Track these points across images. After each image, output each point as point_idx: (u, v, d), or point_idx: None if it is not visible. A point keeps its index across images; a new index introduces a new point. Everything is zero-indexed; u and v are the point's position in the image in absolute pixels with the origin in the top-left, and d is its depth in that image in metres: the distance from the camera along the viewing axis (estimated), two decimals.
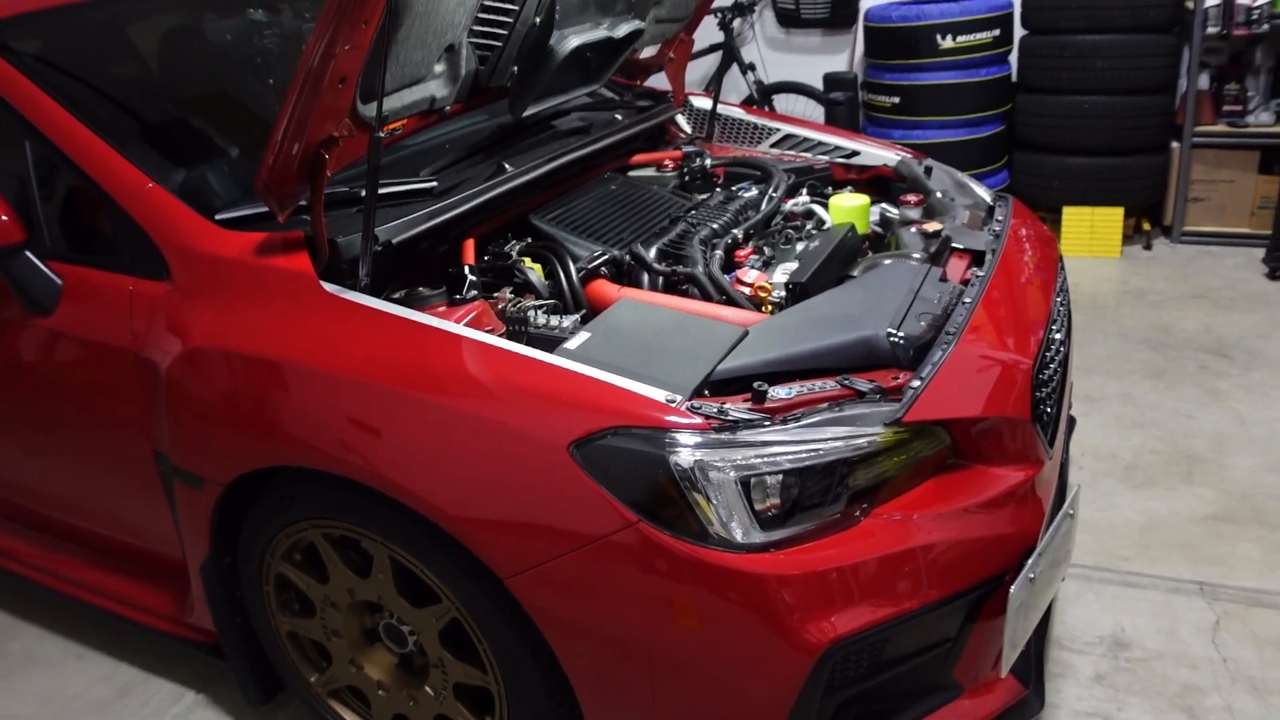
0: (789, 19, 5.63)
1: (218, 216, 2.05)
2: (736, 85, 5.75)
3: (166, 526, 2.27)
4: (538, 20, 2.20)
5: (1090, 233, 4.84)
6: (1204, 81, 4.91)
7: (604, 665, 1.71)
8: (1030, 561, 1.74)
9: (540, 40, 2.24)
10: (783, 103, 5.63)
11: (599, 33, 2.40)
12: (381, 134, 1.79)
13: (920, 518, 1.68)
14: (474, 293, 2.00)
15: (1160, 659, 2.37)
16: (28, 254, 2.21)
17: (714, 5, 4.56)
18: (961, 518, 1.71)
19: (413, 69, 1.94)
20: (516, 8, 2.13)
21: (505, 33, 2.16)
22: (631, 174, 2.94)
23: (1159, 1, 4.49)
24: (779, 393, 1.69)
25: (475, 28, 2.09)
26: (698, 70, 5.95)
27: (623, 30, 2.49)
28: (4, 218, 2.14)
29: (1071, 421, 2.92)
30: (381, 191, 2.18)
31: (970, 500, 1.73)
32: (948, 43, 4.76)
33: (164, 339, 2.03)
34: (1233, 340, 3.88)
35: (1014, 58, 4.98)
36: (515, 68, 2.29)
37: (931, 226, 2.48)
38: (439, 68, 2.05)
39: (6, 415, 2.47)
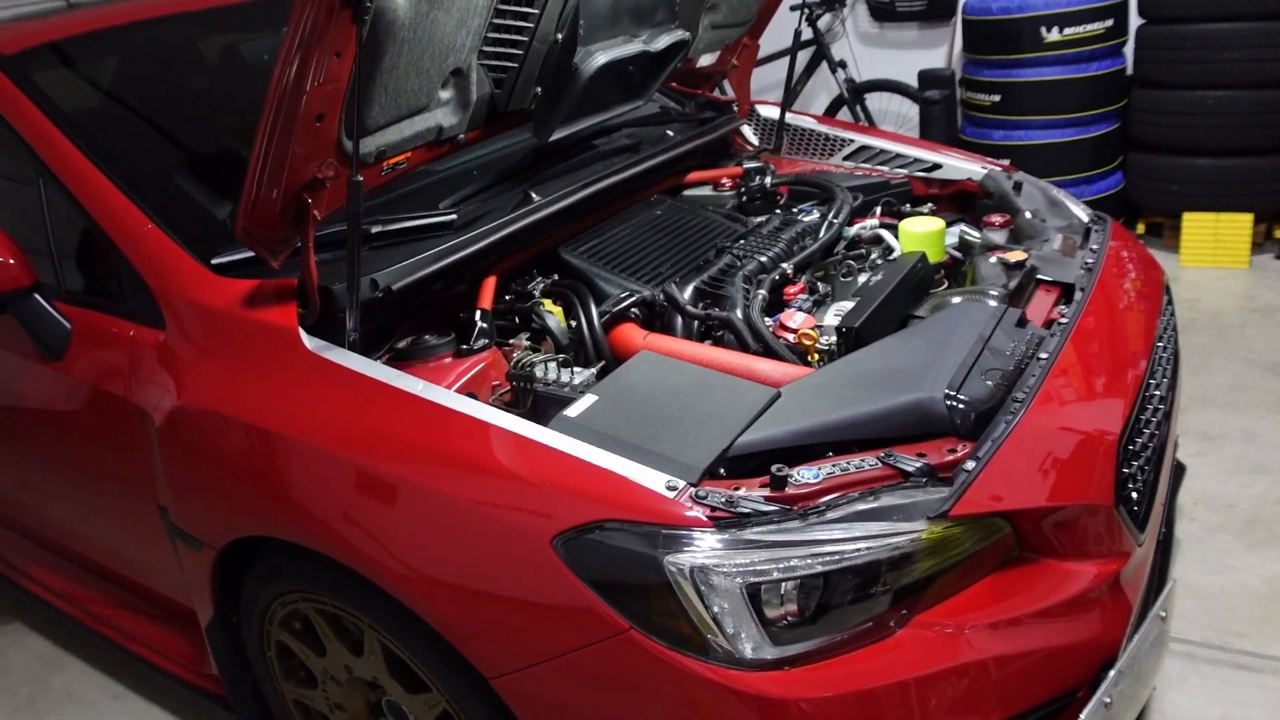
0: (883, 13, 5.30)
1: (213, 261, 1.91)
2: (827, 85, 5.45)
3: (179, 576, 2.17)
4: (559, 37, 1.99)
5: (1214, 241, 4.40)
6: None
7: None
8: (1105, 684, 1.46)
9: (564, 58, 2.03)
10: (876, 102, 5.31)
11: (633, 47, 2.18)
12: (360, 177, 1.60)
13: (972, 628, 1.42)
14: (483, 342, 1.82)
15: None
16: (36, 297, 2.11)
17: (799, 0, 4.28)
18: (1024, 626, 1.45)
19: (410, 98, 1.75)
20: (532, 25, 1.92)
21: (521, 52, 1.96)
22: (685, 194, 2.71)
23: None
24: (805, 475, 1.44)
25: (486, 48, 1.89)
26: (782, 71, 5.66)
27: (662, 43, 2.26)
28: (10, 261, 2.04)
29: (1181, 469, 2.59)
30: (394, 228, 2.02)
31: (1035, 604, 1.47)
32: (1054, 35, 4.39)
33: (157, 391, 1.91)
34: None
35: (1129, 50, 4.57)
36: (538, 89, 2.09)
37: (1015, 256, 2.19)
38: (445, 94, 1.87)
39: (30, 457, 2.42)
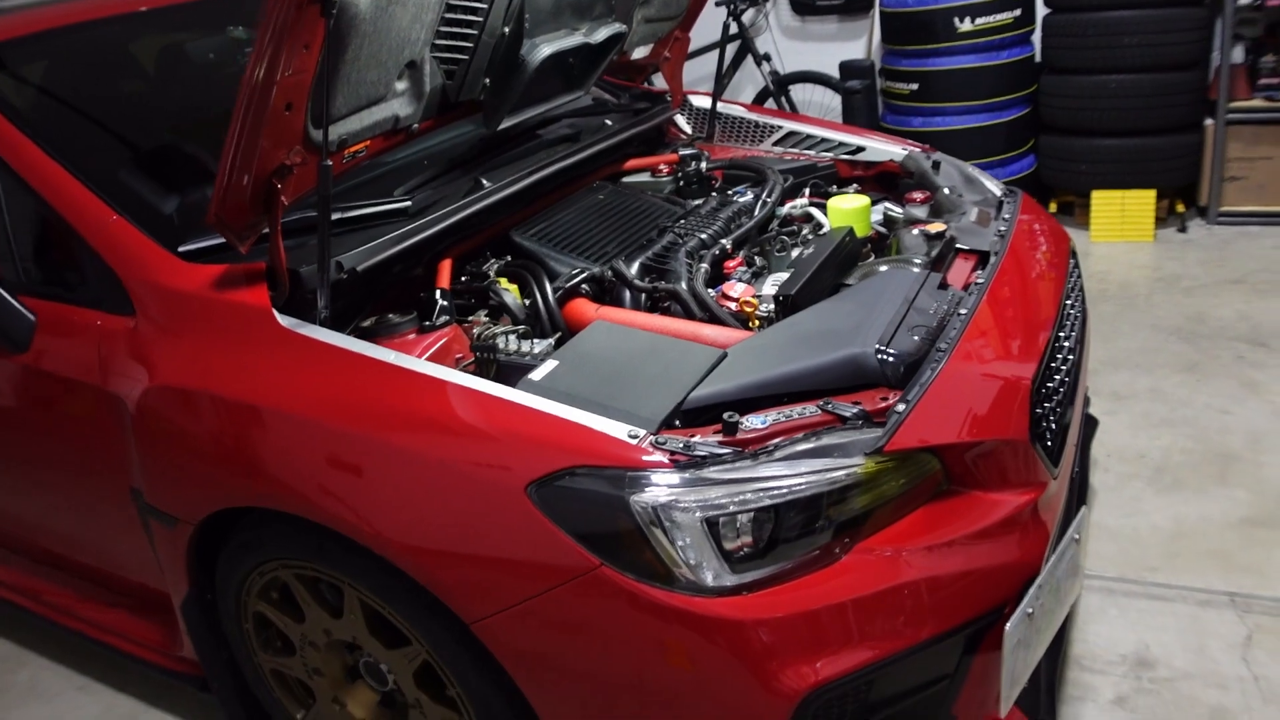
0: (804, 6, 5.49)
1: (180, 249, 1.99)
2: (753, 77, 5.62)
3: (150, 561, 2.23)
4: (506, 30, 2.10)
5: (1121, 217, 4.66)
6: (1238, 55, 4.70)
7: (576, 709, 1.63)
8: (1028, 596, 1.62)
9: (511, 50, 2.15)
10: (800, 93, 5.49)
11: (575, 39, 2.30)
12: (329, 161, 1.71)
13: (909, 551, 1.57)
14: (445, 318, 1.92)
15: (1187, 679, 2.24)
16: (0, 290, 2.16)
17: None
18: (955, 549, 1.60)
19: (369, 89, 1.86)
20: (481, 19, 2.04)
21: (471, 45, 2.07)
22: (625, 180, 2.84)
23: None
24: (754, 422, 1.59)
25: (438, 41, 2.00)
26: (712, 64, 5.83)
27: (601, 35, 2.39)
28: None
29: (1094, 422, 2.79)
30: (353, 214, 2.11)
31: (964, 530, 1.62)
32: (966, 25, 4.60)
33: (130, 376, 1.97)
34: (1272, 328, 3.70)
35: (1037, 38, 4.80)
36: (486, 80, 2.20)
37: (935, 227, 2.36)
38: (400, 85, 1.97)
39: None
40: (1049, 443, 1.81)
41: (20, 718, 2.68)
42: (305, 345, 1.76)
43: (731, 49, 5.52)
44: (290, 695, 2.17)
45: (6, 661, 2.92)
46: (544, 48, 2.19)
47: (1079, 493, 2.15)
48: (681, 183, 2.76)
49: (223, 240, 1.98)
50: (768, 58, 5.33)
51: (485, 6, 2.02)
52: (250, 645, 2.12)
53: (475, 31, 2.05)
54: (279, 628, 2.06)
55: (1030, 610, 1.62)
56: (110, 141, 2.40)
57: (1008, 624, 1.59)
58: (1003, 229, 2.30)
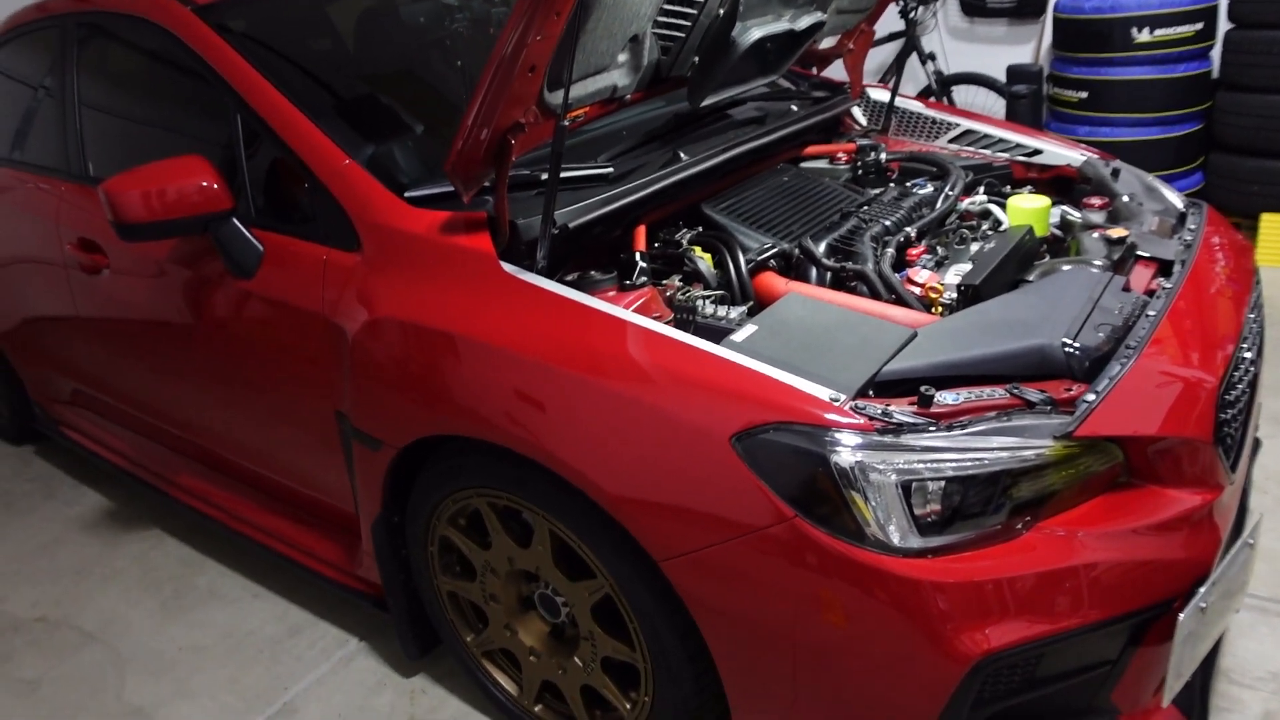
0: (974, 8, 5.46)
1: (407, 194, 2.16)
2: (915, 75, 5.62)
3: (342, 482, 2.42)
4: (721, 11, 2.21)
5: None
6: None
7: (751, 653, 1.74)
8: (1202, 590, 1.67)
9: (723, 31, 2.26)
10: (962, 95, 5.47)
11: (781, 24, 2.40)
12: (566, 122, 1.84)
13: (1086, 535, 1.63)
14: (644, 279, 2.04)
15: None
16: (235, 221, 2.37)
17: None
18: (1130, 538, 1.66)
19: (598, 58, 1.99)
20: (702, 0, 2.15)
21: (689, 24, 2.19)
22: (804, 165, 2.93)
23: None
24: (946, 398, 1.66)
25: (659, 19, 2.12)
26: (875, 58, 5.84)
27: (805, 22, 2.48)
28: (215, 186, 2.29)
29: (1257, 444, 2.76)
30: (561, 176, 2.25)
31: (1141, 521, 1.67)
32: (1144, 36, 4.53)
33: (352, 307, 2.15)
34: None
35: (1215, 53, 4.70)
36: (696, 58, 2.32)
37: (1116, 232, 2.38)
38: (623, 57, 2.10)
39: (204, 367, 2.67)
40: (1229, 448, 1.84)
41: (201, 617, 2.92)
42: (526, 290, 1.91)
43: (897, 46, 5.53)
44: (462, 618, 2.34)
45: (189, 565, 3.18)
46: (754, 30, 2.29)
47: (1244, 504, 2.16)
48: (860, 172, 2.83)
49: (445, 189, 2.15)
50: (933, 57, 5.33)
51: None
52: (433, 567, 2.28)
53: (695, 11, 2.16)
54: (463, 553, 2.22)
55: (1203, 605, 1.67)
56: (332, 93, 2.58)
57: (1181, 615, 1.64)
58: (1189, 238, 2.31)
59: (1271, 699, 2.25)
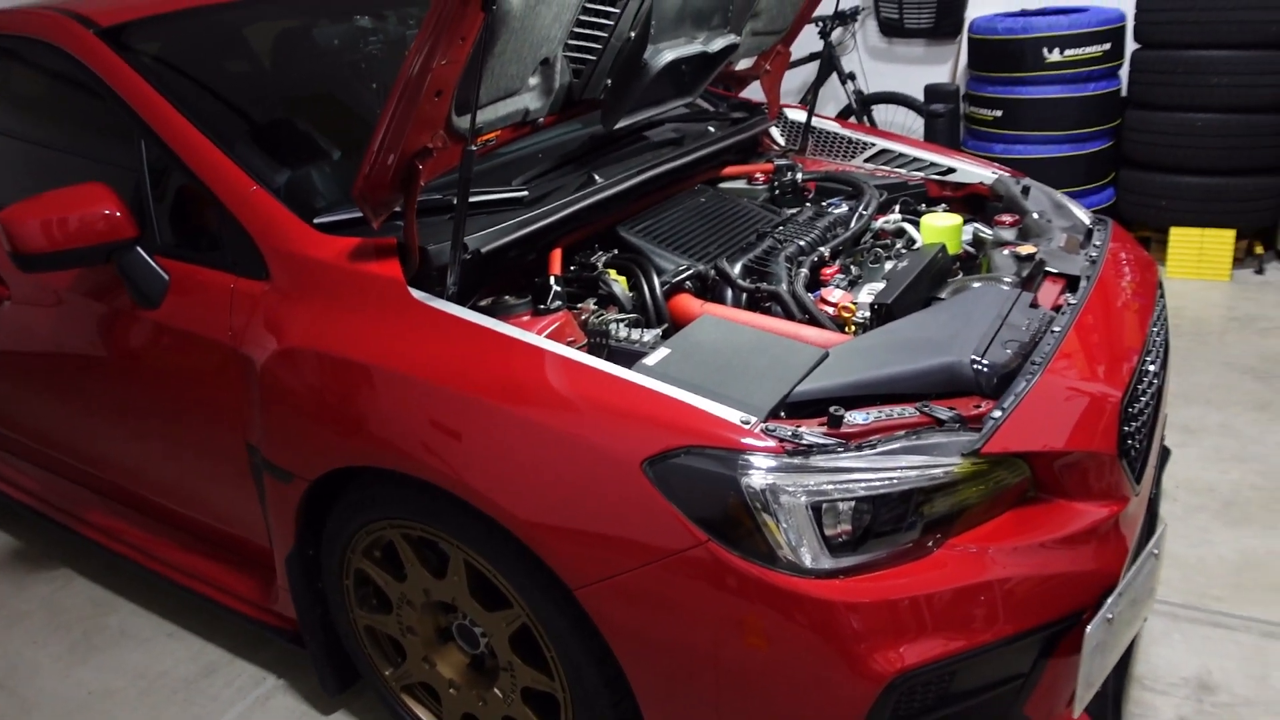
0: (892, 28, 5.56)
1: (316, 220, 2.12)
2: (835, 95, 5.70)
3: (255, 515, 2.36)
4: (633, 34, 2.22)
5: (1199, 255, 4.68)
6: None
7: (668, 678, 1.72)
8: (1110, 601, 1.69)
9: (635, 54, 2.26)
10: (882, 114, 5.57)
11: (693, 47, 2.41)
12: (474, 146, 1.83)
13: (996, 550, 1.65)
14: (558, 303, 2.03)
15: (1248, 705, 2.28)
16: (139, 249, 2.30)
17: (814, 14, 4.53)
18: (1039, 552, 1.68)
19: (508, 82, 1.97)
20: (612, 23, 2.15)
21: (600, 46, 2.19)
22: (722, 186, 2.94)
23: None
24: (856, 418, 1.67)
25: (570, 41, 2.12)
26: (796, 78, 5.92)
27: (718, 45, 2.49)
28: (118, 214, 2.23)
29: (1166, 453, 2.83)
30: (473, 200, 2.23)
31: (1049, 535, 1.70)
32: (1055, 56, 4.65)
33: (261, 336, 2.10)
34: None
35: (1124, 72, 4.84)
36: (609, 80, 2.32)
37: (1025, 249, 2.43)
38: (533, 80, 2.09)
39: (110, 400, 2.59)
40: (1133, 461, 1.88)
41: (112, 659, 2.82)
42: (435, 317, 1.88)
43: (816, 66, 5.61)
44: (380, 652, 2.29)
45: (100, 605, 3.07)
46: (666, 53, 2.30)
47: (1153, 514, 2.21)
48: (776, 191, 2.85)
49: (355, 215, 2.11)
50: (852, 77, 5.41)
51: (617, 11, 2.13)
52: (348, 601, 2.23)
53: (605, 34, 2.16)
54: (378, 585, 2.18)
55: (1110, 616, 1.69)
56: (241, 117, 2.53)
57: (1089, 626, 1.66)
58: (1094, 255, 2.36)
59: (1184, 704, 2.30)
